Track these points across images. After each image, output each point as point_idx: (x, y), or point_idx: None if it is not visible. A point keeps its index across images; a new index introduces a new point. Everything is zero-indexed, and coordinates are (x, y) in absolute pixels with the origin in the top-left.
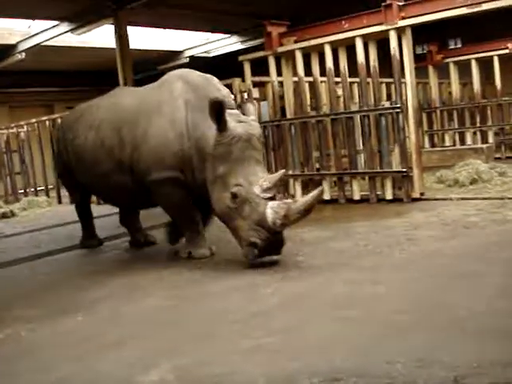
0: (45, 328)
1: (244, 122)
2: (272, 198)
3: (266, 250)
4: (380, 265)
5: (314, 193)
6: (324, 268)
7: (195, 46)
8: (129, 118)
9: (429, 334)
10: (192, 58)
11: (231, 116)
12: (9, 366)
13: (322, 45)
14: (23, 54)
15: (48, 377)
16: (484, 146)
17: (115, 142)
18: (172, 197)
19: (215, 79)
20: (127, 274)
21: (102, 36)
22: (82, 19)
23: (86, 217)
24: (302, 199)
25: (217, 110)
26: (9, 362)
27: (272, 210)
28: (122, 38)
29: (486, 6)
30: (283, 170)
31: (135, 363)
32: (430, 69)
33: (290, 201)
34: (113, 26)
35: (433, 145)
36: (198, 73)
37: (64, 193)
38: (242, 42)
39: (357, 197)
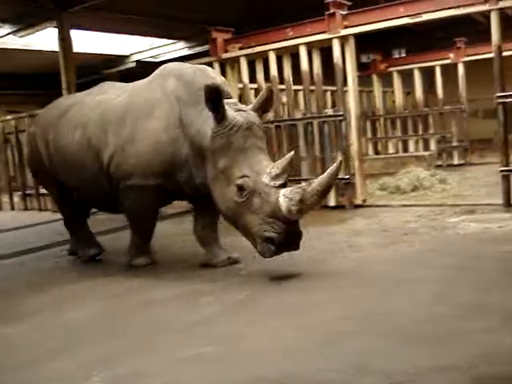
0: None
1: (243, 111)
2: (283, 185)
3: (284, 244)
4: (322, 272)
5: (330, 169)
6: (265, 275)
7: (142, 51)
8: (116, 118)
9: (369, 340)
10: (139, 62)
11: (229, 105)
12: None
13: (266, 52)
14: None
15: None
16: (426, 153)
17: (102, 144)
18: (144, 204)
19: (209, 69)
20: (66, 283)
21: (45, 39)
22: (24, 21)
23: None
24: (317, 179)
25: (213, 97)
26: None
27: (285, 198)
28: (64, 41)
29: (426, 17)
30: (292, 153)
31: (70, 374)
32: (375, 77)
33: (304, 184)
34: (55, 29)
35: (376, 152)
36: (189, 65)
37: (4, 199)
38: (189, 47)
39: None
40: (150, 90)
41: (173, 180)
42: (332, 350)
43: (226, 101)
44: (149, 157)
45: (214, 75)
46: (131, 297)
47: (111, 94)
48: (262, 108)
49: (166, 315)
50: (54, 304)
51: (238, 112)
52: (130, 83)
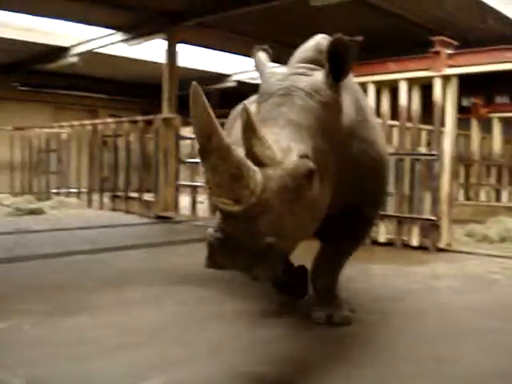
0: (47, 324)
1: (300, 75)
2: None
3: (221, 252)
4: (394, 309)
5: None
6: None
7: (243, 72)
8: None
9: None
10: (239, 82)
11: (289, 69)
12: None
13: (366, 83)
14: (75, 57)
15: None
16: None
17: None
18: None
19: None
20: (137, 285)
21: (151, 50)
22: (136, 31)
23: None
24: None
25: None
26: None
27: None
28: (171, 54)
29: None
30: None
31: (131, 372)
32: (474, 121)
33: None
34: (162, 41)
35: (467, 198)
36: None
37: (94, 197)
38: None
39: (382, 239)
40: None
41: None
42: None
43: (295, 65)
44: None
45: None
46: (200, 306)
47: None
48: (335, 70)
49: (232, 330)
50: (121, 303)
51: (289, 76)
52: None
